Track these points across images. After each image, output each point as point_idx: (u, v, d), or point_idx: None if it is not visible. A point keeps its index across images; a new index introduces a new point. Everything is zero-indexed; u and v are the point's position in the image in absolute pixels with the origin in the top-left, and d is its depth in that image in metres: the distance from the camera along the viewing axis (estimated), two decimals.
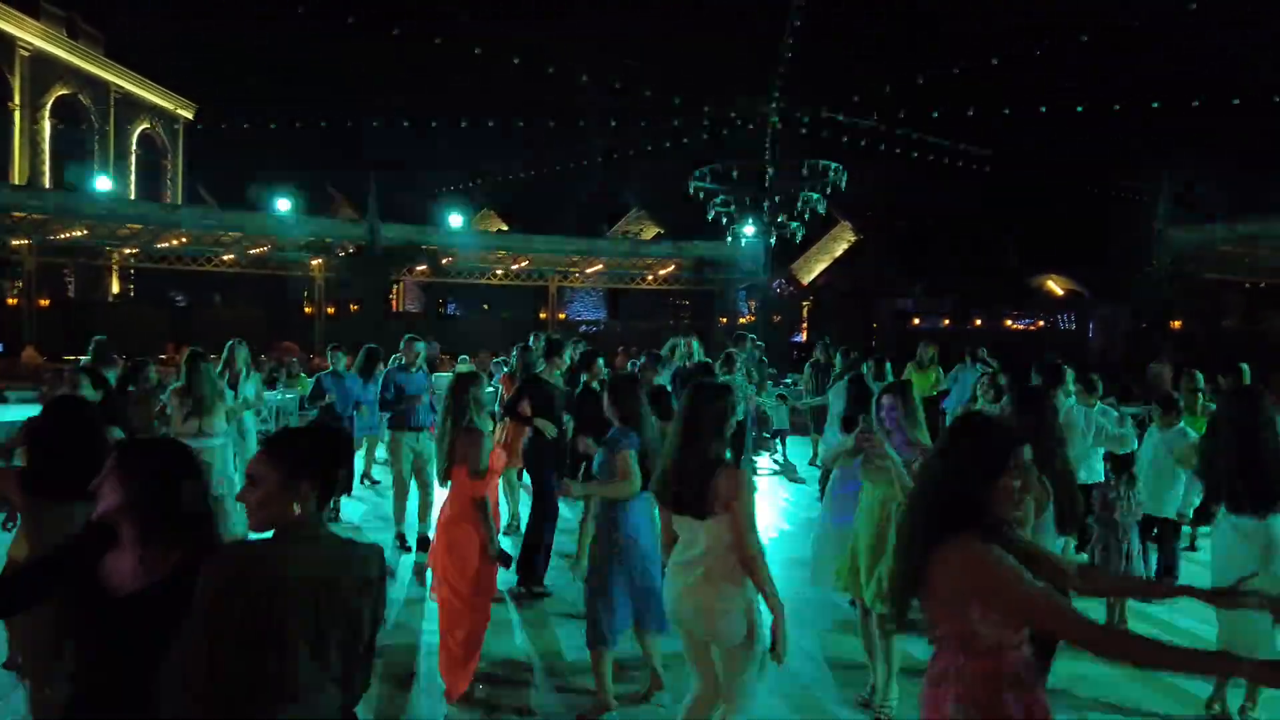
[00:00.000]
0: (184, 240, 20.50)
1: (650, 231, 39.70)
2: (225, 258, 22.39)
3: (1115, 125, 16.55)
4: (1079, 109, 16.04)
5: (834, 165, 14.62)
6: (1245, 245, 16.86)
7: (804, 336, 31.04)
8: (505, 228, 40.58)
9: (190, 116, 39.24)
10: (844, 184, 15.01)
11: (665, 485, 3.15)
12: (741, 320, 28.64)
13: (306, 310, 25.40)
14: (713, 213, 16.52)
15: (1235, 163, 23.48)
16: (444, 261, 22.72)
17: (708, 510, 2.97)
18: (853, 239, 35.08)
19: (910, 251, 35.26)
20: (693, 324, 31.43)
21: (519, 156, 19.03)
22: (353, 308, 21.78)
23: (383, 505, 8.11)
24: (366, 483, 9.28)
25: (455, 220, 21.34)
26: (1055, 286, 41.14)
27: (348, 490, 7.52)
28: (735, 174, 15.24)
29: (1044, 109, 16.49)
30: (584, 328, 31.02)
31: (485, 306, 37.08)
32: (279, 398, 12.53)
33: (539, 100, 15.48)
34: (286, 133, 34.77)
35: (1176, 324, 17.39)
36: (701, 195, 16.72)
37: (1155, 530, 6.29)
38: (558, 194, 32.84)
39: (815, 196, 15.97)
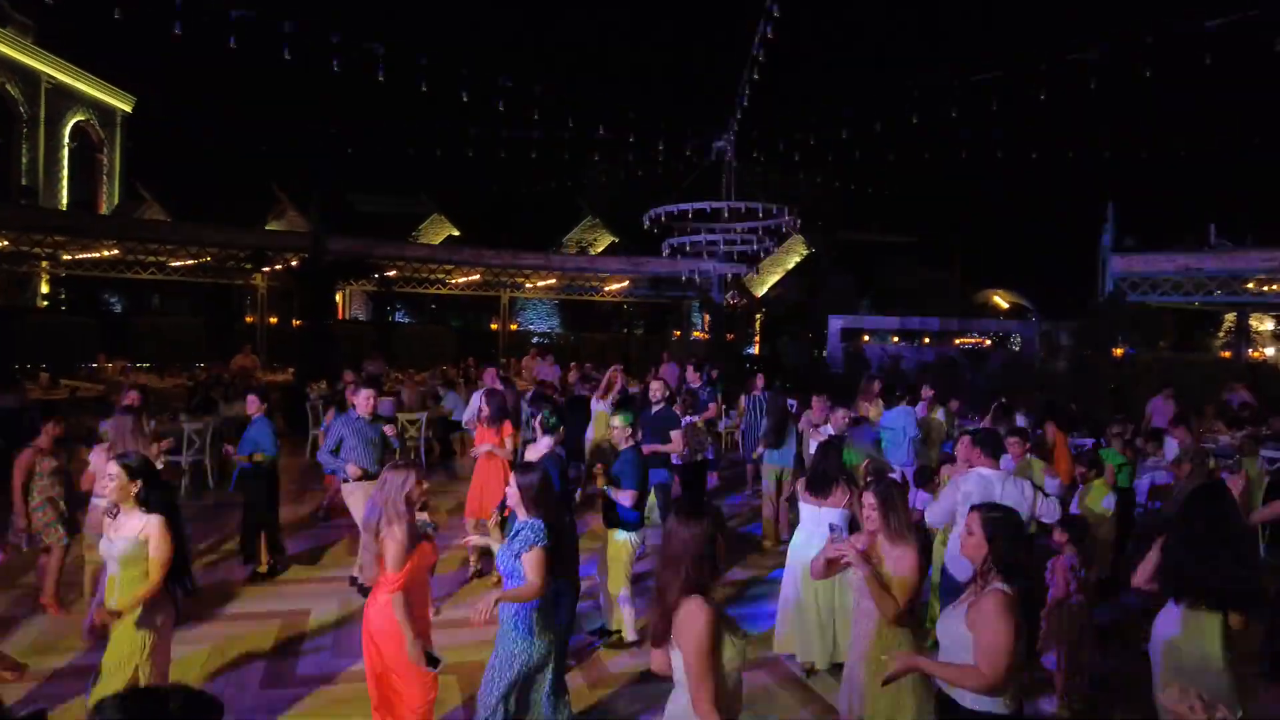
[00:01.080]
0: (116, 252, 19.58)
1: (604, 240, 39.47)
2: (168, 263, 21.48)
3: (1062, 154, 16.85)
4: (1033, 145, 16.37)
5: (787, 210, 14.58)
6: (1182, 273, 17.34)
7: (756, 349, 31.16)
8: (456, 232, 39.97)
9: (128, 109, 37.75)
10: (798, 225, 15.06)
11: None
12: (695, 334, 28.64)
13: (249, 319, 24.55)
14: (667, 251, 16.41)
15: (1173, 192, 24.26)
16: (392, 274, 22.12)
17: (669, 644, 2.81)
18: (805, 252, 35.34)
19: (859, 265, 35.70)
20: (646, 337, 31.42)
21: (471, 160, 18.54)
22: (295, 323, 21.05)
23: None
24: None
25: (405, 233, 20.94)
26: (1001, 301, 42.07)
27: None
28: (690, 214, 15.11)
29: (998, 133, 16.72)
30: (537, 339, 30.66)
31: (433, 306, 36.40)
32: (212, 423, 11.68)
33: (492, 110, 15.07)
34: (230, 129, 33.74)
35: (1119, 351, 17.81)
36: (656, 230, 16.60)
37: None
38: (510, 200, 32.40)
39: (770, 243, 15.98)
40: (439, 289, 26.69)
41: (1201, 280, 16.75)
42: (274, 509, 7.73)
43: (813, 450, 7.05)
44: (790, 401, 11.24)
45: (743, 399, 11.95)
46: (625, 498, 5.82)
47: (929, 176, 21.25)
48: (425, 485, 4.21)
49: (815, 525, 5.64)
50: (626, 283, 25.62)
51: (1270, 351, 26.95)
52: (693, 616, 2.72)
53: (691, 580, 2.79)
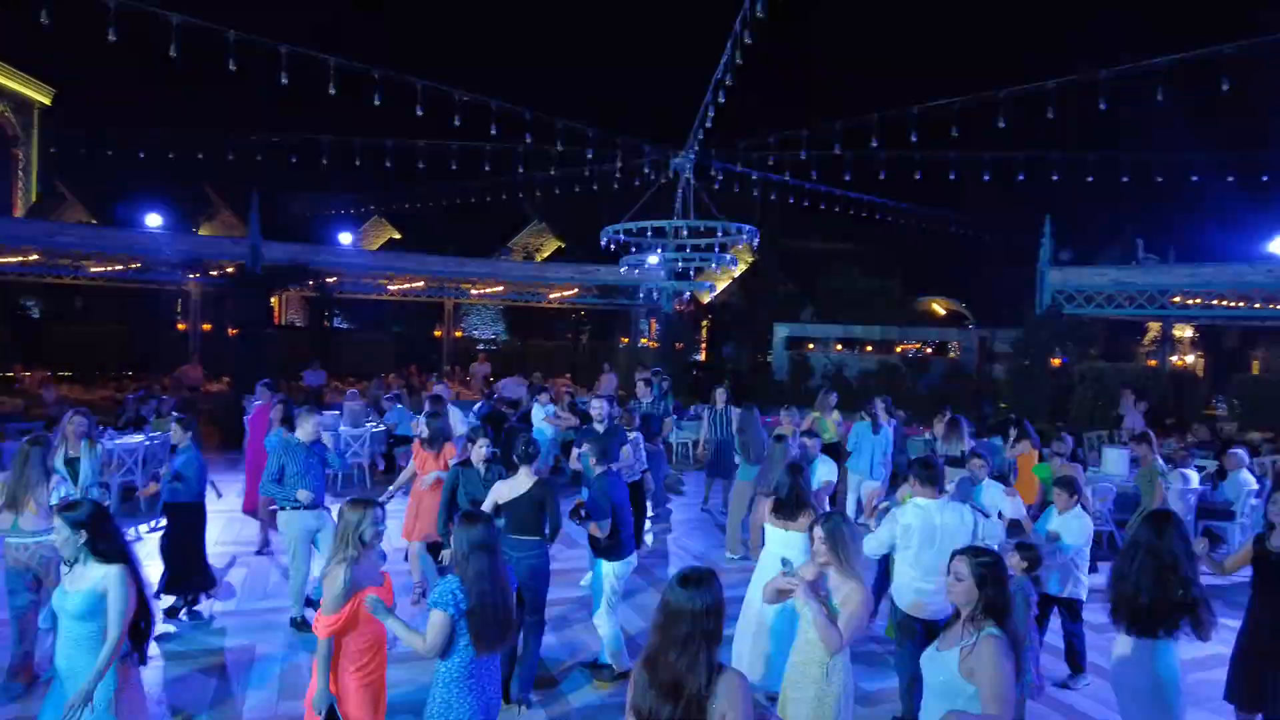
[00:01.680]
0: (35, 258, 18.52)
1: (551, 245, 39.11)
2: (89, 267, 20.40)
3: (1004, 171, 17.27)
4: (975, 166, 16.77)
5: (746, 228, 14.63)
6: (1114, 286, 17.96)
7: (703, 355, 31.24)
8: (397, 235, 39.11)
9: (48, 102, 36.00)
10: (755, 244, 15.15)
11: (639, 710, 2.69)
12: (643, 341, 28.56)
13: (180, 326, 23.53)
14: (624, 269, 16.34)
15: (1103, 206, 25.17)
16: (331, 280, 21.47)
17: None
18: (751, 259, 35.59)
19: (802, 273, 36.11)
20: (593, 344, 31.21)
21: (414, 163, 18.01)
22: (231, 331, 20.24)
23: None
24: None
25: (344, 238, 20.28)
26: (939, 308, 43.12)
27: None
28: (650, 232, 15.03)
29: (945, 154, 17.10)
30: (481, 346, 30.19)
31: (373, 312, 35.53)
32: (143, 444, 11.08)
33: (440, 120, 14.72)
34: (159, 125, 32.26)
35: (1056, 361, 18.35)
36: (614, 248, 16.47)
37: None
38: (453, 203, 31.76)
39: (728, 258, 16.02)
40: (380, 295, 26.05)
41: (1132, 294, 17.38)
42: (200, 541, 7.32)
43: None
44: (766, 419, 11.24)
45: (705, 413, 11.87)
46: (599, 529, 5.71)
47: (873, 189, 21.56)
48: (382, 527, 4.01)
49: (781, 546, 5.59)
50: (575, 290, 25.41)
51: (1190, 359, 28.22)
52: (734, 691, 2.62)
53: (712, 657, 2.65)
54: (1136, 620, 4.15)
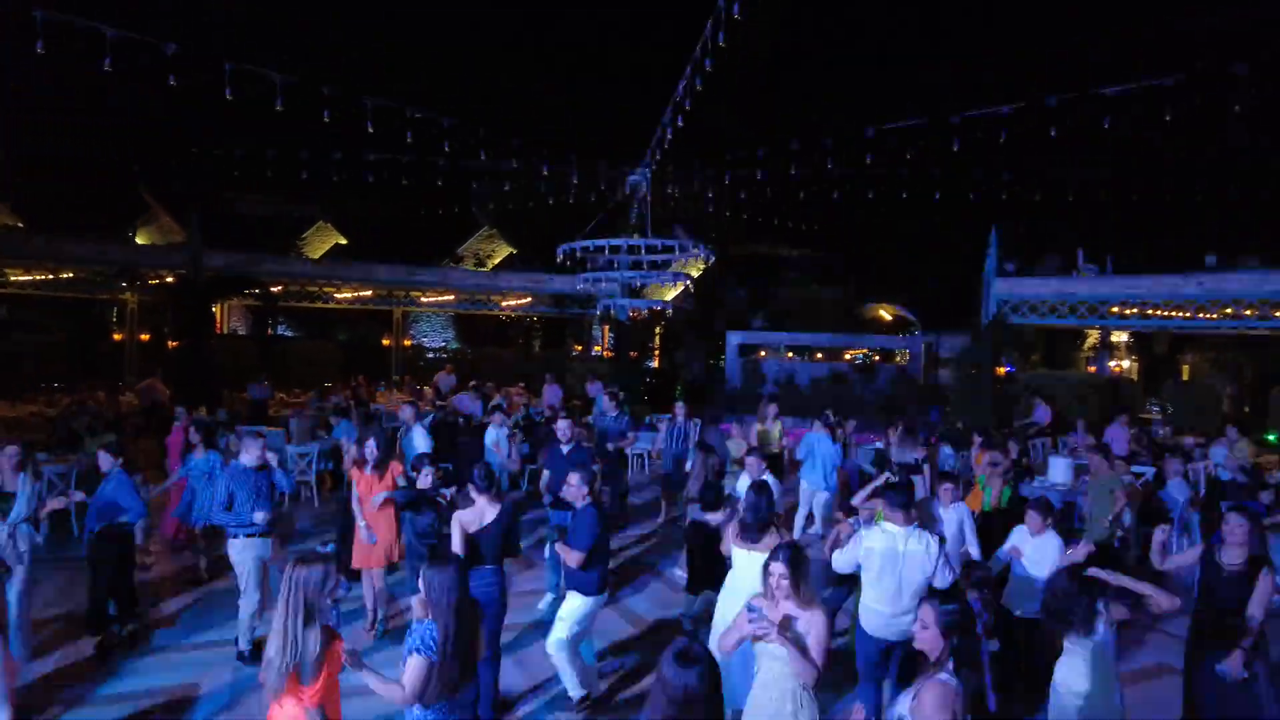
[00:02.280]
0: None
1: (502, 251, 38.77)
2: (14, 278, 19.53)
3: (950, 185, 17.67)
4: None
5: (703, 246, 14.68)
6: (1056, 296, 18.49)
7: (656, 363, 31.27)
8: (343, 240, 38.35)
9: None
10: (711, 260, 15.23)
11: None
12: (596, 349, 28.47)
13: (116, 337, 22.63)
14: (580, 285, 16.26)
15: (1047, 217, 25.90)
16: (276, 290, 20.89)
17: None
18: (703, 265, 35.77)
19: (753, 280, 36.47)
20: (546, 352, 30.98)
21: (360, 168, 17.51)
22: (171, 344, 19.53)
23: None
24: None
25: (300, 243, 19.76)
26: (885, 314, 43.91)
27: None
28: (607, 249, 14.97)
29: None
30: (431, 354, 29.74)
31: (319, 320, 34.67)
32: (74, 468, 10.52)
33: (390, 128, 14.42)
34: (92, 125, 31.13)
35: (1001, 370, 18.81)
36: (569, 263, 16.37)
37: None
38: (402, 208, 31.19)
39: (684, 276, 16.06)
40: (327, 303, 25.46)
41: (1074, 304, 17.91)
42: (128, 572, 7.03)
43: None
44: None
45: (661, 427, 11.84)
46: (573, 558, 5.60)
47: (825, 199, 21.86)
48: (337, 582, 3.87)
49: (748, 568, 5.56)
50: (528, 299, 25.19)
51: (1126, 364, 29.23)
52: None
53: None
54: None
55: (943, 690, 3.19)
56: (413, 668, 3.55)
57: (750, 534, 5.71)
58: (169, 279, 18.77)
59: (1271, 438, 16.58)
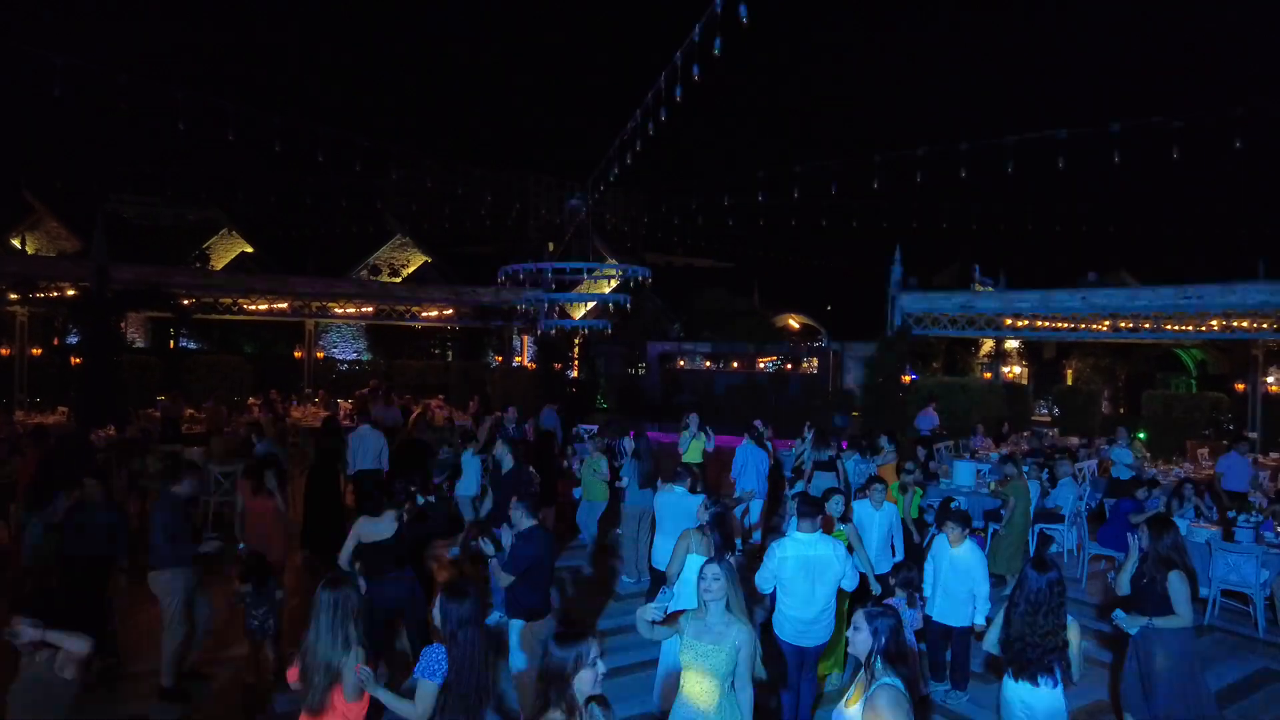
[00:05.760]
0: None
1: (417, 260, 38.09)
2: None
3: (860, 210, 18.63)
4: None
5: (642, 270, 15.07)
6: (959, 309, 19.73)
7: (575, 372, 31.46)
8: (250, 249, 36.95)
9: None
10: (649, 281, 15.65)
11: None
12: (516, 360, 28.46)
13: (3, 351, 21.25)
14: (523, 304, 16.38)
15: (948, 236, 27.49)
16: (186, 303, 20.12)
17: None
18: (618, 279, 36.20)
19: (669, 291, 37.11)
20: (464, 364, 30.72)
21: (264, 168, 16.89)
22: (74, 360, 18.54)
23: None
24: None
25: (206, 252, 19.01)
26: (793, 322, 45.39)
27: None
28: (549, 273, 15.19)
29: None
30: (344, 367, 29.04)
31: (222, 331, 33.21)
32: None
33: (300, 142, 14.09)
34: None
35: (906, 378, 19.92)
36: (509, 281, 16.46)
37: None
38: (310, 216, 30.32)
39: (622, 299, 16.40)
40: (237, 315, 24.60)
41: (973, 316, 19.17)
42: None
43: None
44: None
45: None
46: (502, 577, 5.67)
47: (734, 209, 22.59)
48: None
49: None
50: (450, 311, 25.01)
51: (1018, 370, 31.25)
52: None
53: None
54: (1021, 666, 4.65)
55: (895, 694, 3.35)
56: (424, 691, 3.74)
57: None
58: (70, 291, 17.84)
59: (1142, 436, 18.14)
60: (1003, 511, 10.23)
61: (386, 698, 3.83)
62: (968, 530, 6.67)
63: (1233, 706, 6.73)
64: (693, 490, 7.71)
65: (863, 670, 3.56)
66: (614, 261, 15.50)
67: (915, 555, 7.96)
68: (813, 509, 5.83)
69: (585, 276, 15.20)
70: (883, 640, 3.48)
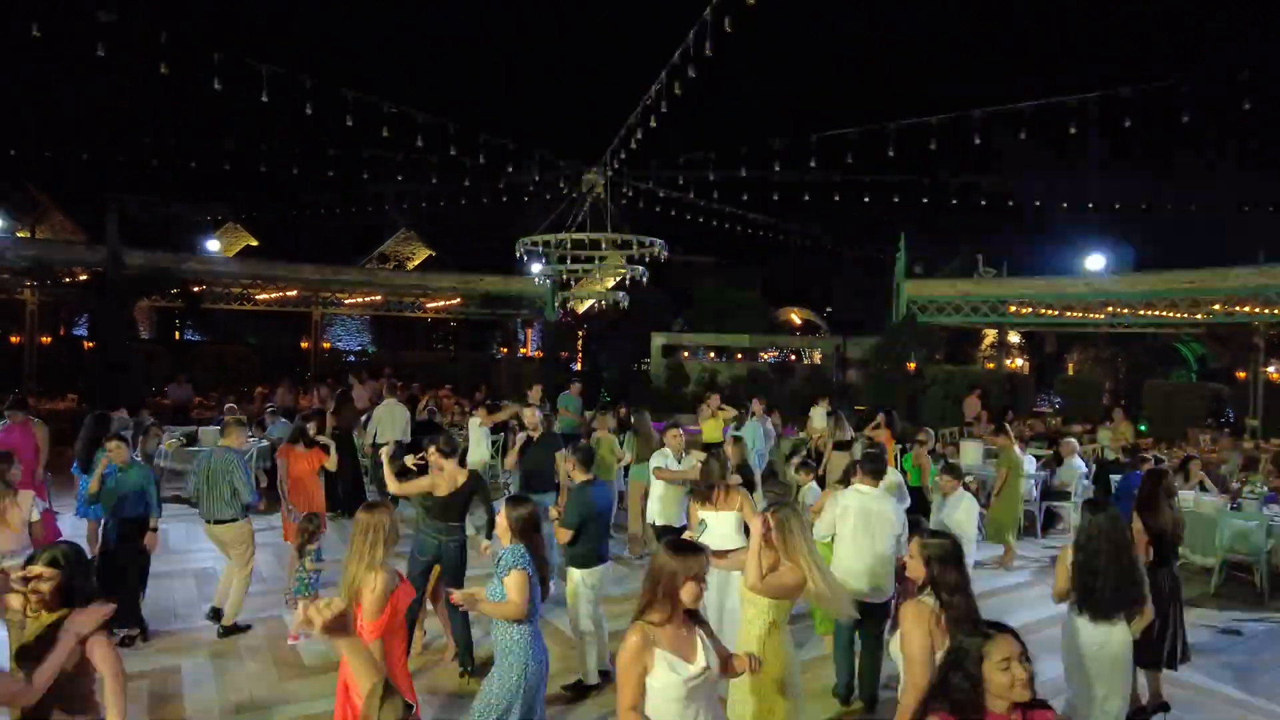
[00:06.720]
0: None
1: (421, 253, 38.30)
2: None
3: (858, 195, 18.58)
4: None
5: (659, 242, 15.17)
6: (961, 297, 19.88)
7: (579, 365, 31.59)
8: (254, 242, 37.15)
9: None
10: (664, 256, 15.73)
11: None
12: (522, 351, 28.60)
13: (14, 339, 21.34)
14: (541, 279, 16.40)
15: (952, 225, 27.67)
16: (198, 289, 20.23)
17: None
18: (624, 271, 36.27)
19: (672, 284, 37.28)
20: (469, 355, 30.85)
21: (270, 165, 16.84)
22: (87, 344, 18.65)
23: None
24: None
25: (212, 245, 19.16)
26: (795, 317, 45.59)
27: None
28: (568, 249, 15.32)
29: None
30: (350, 358, 29.16)
31: (229, 321, 33.26)
32: None
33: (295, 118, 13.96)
34: None
35: (911, 365, 20.05)
36: (525, 258, 16.58)
37: None
38: (313, 211, 30.45)
39: (640, 270, 16.51)
40: (245, 305, 24.72)
41: (975, 304, 19.31)
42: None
43: None
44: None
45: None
46: (563, 533, 5.91)
47: (735, 208, 22.71)
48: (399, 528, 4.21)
49: (715, 527, 5.99)
50: (458, 301, 25.11)
51: (1020, 362, 31.45)
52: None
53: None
54: (1093, 608, 4.60)
55: (919, 608, 3.52)
56: (516, 582, 3.98)
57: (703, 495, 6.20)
58: (83, 277, 17.94)
59: (1143, 428, 18.26)
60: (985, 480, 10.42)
61: (485, 606, 4.06)
62: (959, 483, 7.12)
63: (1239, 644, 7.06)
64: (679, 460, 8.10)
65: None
66: (631, 235, 15.54)
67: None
68: (878, 468, 6.01)
69: (603, 250, 15.27)
70: (933, 569, 3.61)
